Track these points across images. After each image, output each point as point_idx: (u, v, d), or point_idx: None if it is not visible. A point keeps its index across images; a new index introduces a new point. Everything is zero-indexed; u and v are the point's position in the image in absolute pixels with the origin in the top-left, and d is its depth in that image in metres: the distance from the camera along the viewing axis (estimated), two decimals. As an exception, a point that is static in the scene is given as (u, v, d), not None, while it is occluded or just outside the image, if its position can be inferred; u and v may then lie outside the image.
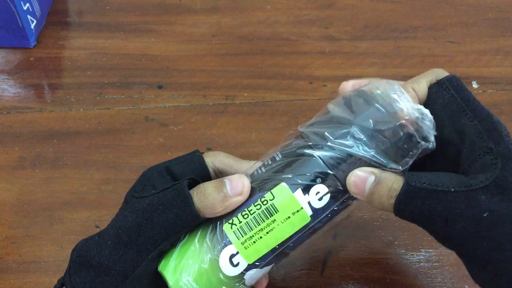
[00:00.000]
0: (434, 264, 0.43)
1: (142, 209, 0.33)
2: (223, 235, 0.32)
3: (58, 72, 0.60)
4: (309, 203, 0.32)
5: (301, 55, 0.62)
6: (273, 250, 0.32)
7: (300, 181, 0.32)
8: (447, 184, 0.29)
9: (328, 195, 0.31)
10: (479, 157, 0.29)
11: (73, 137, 0.53)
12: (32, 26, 0.61)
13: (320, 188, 0.31)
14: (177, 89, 0.58)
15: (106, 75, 0.59)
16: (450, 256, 0.44)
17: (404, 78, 0.35)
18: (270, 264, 0.33)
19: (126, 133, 0.53)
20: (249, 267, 0.32)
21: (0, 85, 0.58)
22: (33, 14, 0.62)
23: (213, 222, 0.33)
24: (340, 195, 0.32)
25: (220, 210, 0.32)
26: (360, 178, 0.31)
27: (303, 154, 0.32)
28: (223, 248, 0.32)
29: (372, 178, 0.30)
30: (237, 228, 0.32)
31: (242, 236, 0.32)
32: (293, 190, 0.32)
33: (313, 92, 0.58)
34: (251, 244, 0.32)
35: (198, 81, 0.59)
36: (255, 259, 0.32)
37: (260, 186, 0.33)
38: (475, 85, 0.59)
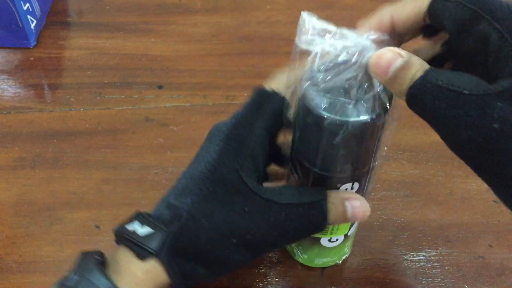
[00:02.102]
0: (434, 264, 0.43)
1: (279, 218, 0.32)
2: None
3: (58, 72, 0.60)
4: None
5: (301, 55, 0.61)
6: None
7: None
8: (464, 85, 0.26)
9: None
10: (506, 64, 0.26)
11: (73, 137, 0.53)
12: (32, 26, 0.61)
13: None
14: (177, 89, 0.58)
15: (106, 75, 0.59)
16: (450, 256, 0.44)
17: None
18: None
19: (126, 133, 0.53)
20: None
21: (0, 85, 0.58)
22: (33, 14, 0.62)
23: None
24: None
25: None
26: (387, 60, 0.28)
27: None
28: None
29: (399, 62, 0.27)
30: None
31: None
32: None
33: (313, 92, 0.57)
34: None
35: (198, 81, 0.59)
36: None
37: None
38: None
